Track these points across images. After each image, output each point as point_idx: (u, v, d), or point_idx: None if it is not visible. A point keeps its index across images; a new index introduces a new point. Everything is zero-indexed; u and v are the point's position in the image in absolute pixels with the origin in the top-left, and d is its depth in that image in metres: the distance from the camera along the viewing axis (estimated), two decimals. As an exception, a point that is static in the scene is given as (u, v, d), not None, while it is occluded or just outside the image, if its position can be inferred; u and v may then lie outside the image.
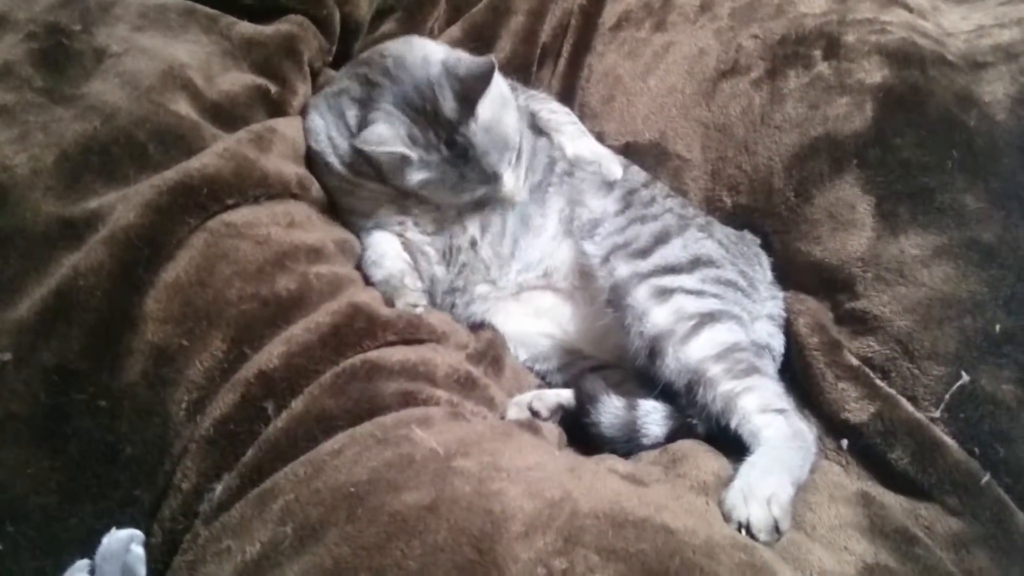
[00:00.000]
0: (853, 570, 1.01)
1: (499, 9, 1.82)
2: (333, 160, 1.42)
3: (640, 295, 1.31)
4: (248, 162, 1.29)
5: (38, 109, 1.24)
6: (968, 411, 1.17)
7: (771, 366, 1.33)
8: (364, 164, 1.39)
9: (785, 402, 1.21)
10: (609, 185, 1.50)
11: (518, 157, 1.39)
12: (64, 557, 1.04)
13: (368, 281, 1.38)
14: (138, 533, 1.05)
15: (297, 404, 1.09)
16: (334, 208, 1.46)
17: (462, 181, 1.34)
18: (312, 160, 1.45)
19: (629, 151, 1.65)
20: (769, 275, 1.47)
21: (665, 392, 1.28)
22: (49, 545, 1.06)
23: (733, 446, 1.18)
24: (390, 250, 1.43)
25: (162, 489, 1.08)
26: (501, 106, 1.36)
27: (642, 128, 1.66)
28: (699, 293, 1.32)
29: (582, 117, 1.72)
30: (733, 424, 1.19)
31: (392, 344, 1.21)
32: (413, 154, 1.31)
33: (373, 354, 1.17)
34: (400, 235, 1.46)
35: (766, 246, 1.49)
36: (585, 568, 0.83)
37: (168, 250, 1.16)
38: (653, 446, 1.26)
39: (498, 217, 1.46)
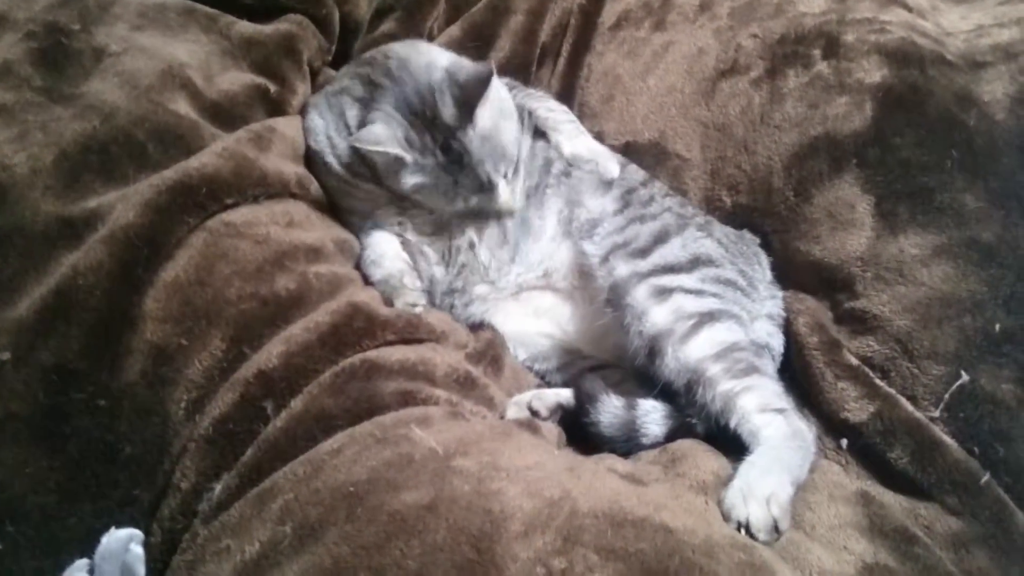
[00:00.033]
0: (852, 569, 1.01)
1: (498, 8, 1.82)
2: (331, 160, 1.43)
3: (639, 294, 1.31)
4: (247, 161, 1.29)
5: (37, 108, 1.24)
6: (968, 410, 1.17)
7: (770, 365, 1.33)
8: (361, 165, 1.39)
9: (784, 401, 1.21)
10: (607, 184, 1.50)
11: (515, 171, 1.39)
12: (63, 556, 1.04)
13: (367, 281, 1.38)
14: (137, 532, 1.05)
15: (296, 403, 1.09)
16: (333, 208, 1.46)
17: (455, 187, 1.34)
18: (311, 159, 1.45)
19: (629, 151, 1.65)
20: (768, 274, 1.47)
21: (664, 392, 1.28)
22: (48, 544, 1.06)
23: (732, 446, 1.18)
24: (389, 250, 1.43)
25: (161, 488, 1.08)
26: (501, 116, 1.36)
27: (641, 128, 1.66)
28: (698, 292, 1.32)
29: (582, 117, 1.72)
30: (732, 423, 1.19)
31: (391, 344, 1.21)
32: (408, 156, 1.31)
33: (372, 353, 1.17)
34: (399, 235, 1.46)
35: (765, 245, 1.49)
36: (584, 567, 0.83)
37: (167, 249, 1.16)
38: (652, 445, 1.26)
39: (496, 221, 1.46)
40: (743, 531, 1.00)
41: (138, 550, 1.03)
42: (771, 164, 1.47)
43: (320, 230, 1.36)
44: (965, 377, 1.18)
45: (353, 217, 1.47)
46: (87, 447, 1.08)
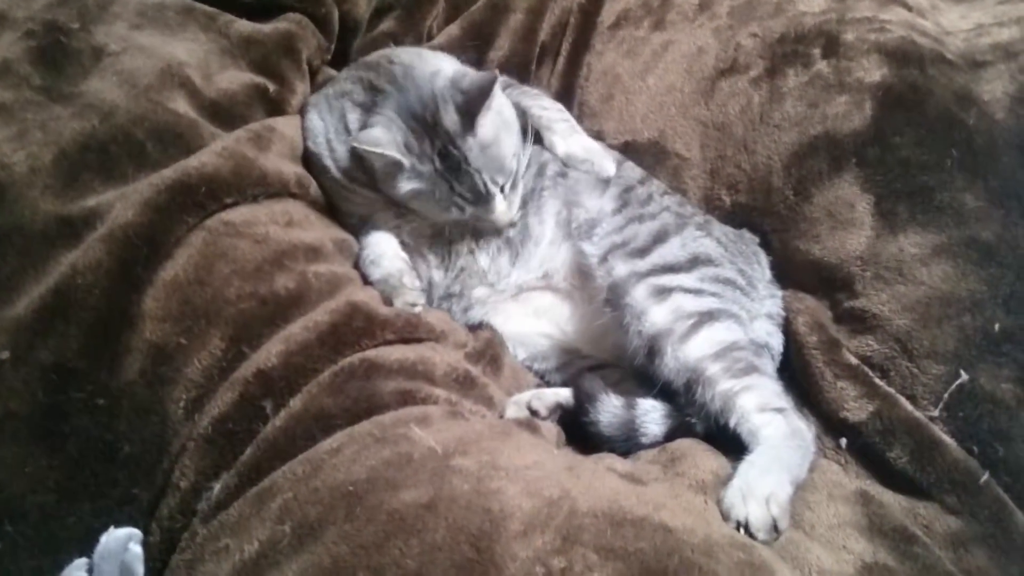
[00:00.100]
0: (852, 569, 1.01)
1: (498, 7, 1.81)
2: (329, 163, 1.43)
3: (638, 294, 1.31)
4: (247, 161, 1.29)
5: (36, 107, 1.23)
6: (967, 410, 1.17)
7: (770, 365, 1.33)
8: (358, 170, 1.39)
9: (784, 401, 1.21)
10: (604, 183, 1.50)
11: (513, 185, 1.39)
12: (62, 556, 1.04)
13: (366, 280, 1.37)
14: (136, 532, 1.05)
15: (296, 403, 1.09)
16: (332, 207, 1.46)
17: (451, 195, 1.34)
18: (308, 160, 1.45)
19: (628, 150, 1.65)
20: (768, 274, 1.46)
21: (664, 391, 1.28)
22: (47, 544, 1.06)
23: (732, 445, 1.18)
24: (388, 249, 1.43)
25: (160, 488, 1.08)
26: (502, 128, 1.36)
27: (641, 127, 1.66)
28: (698, 292, 1.32)
29: (581, 116, 1.72)
30: (732, 423, 1.19)
31: (391, 343, 1.21)
32: (406, 161, 1.31)
33: (371, 353, 1.17)
34: (397, 237, 1.46)
35: (765, 245, 1.49)
36: (583, 567, 0.83)
37: (167, 249, 1.16)
38: (652, 445, 1.26)
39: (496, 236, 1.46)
40: (742, 530, 1.00)
41: (137, 549, 1.03)
42: (771, 163, 1.47)
43: (319, 230, 1.36)
44: (964, 376, 1.18)
45: (352, 218, 1.47)
46: (86, 446, 1.08)
